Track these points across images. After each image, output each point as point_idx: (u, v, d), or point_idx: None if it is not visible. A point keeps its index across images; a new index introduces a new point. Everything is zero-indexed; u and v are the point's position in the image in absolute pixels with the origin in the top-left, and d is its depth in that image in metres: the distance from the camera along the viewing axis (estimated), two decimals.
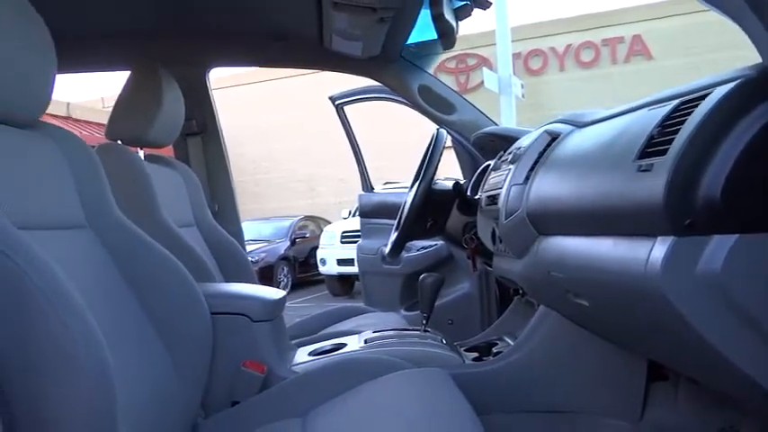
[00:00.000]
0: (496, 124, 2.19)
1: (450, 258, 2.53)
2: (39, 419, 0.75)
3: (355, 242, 9.76)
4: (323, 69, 2.18)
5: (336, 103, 3.07)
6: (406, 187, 4.54)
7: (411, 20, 1.81)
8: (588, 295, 1.07)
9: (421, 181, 1.71)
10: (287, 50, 2.10)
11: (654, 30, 12.93)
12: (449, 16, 1.40)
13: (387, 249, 1.95)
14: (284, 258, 9.84)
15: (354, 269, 9.16)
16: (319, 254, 9.10)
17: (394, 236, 1.96)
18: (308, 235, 10.86)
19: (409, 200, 1.86)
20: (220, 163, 2.28)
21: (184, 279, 1.27)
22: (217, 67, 2.22)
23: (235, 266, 1.99)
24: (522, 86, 7.62)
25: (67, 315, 0.79)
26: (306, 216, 11.62)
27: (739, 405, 1.26)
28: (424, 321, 1.60)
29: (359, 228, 9.90)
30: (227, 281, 1.91)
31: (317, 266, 9.28)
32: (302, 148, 14.60)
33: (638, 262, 0.82)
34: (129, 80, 1.78)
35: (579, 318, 1.26)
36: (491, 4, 1.58)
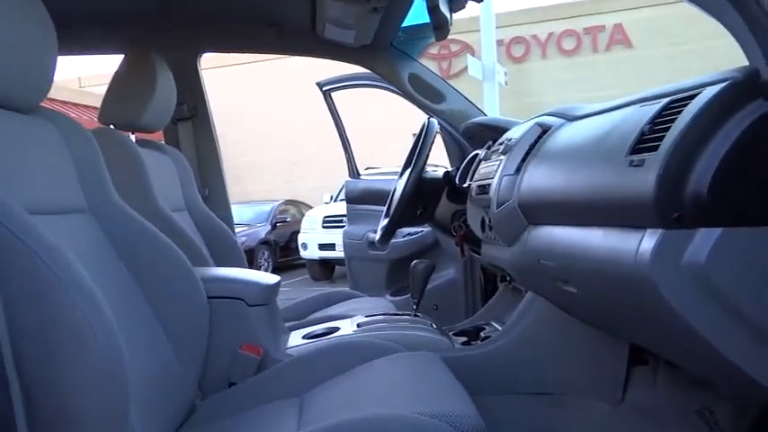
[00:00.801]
0: (485, 114, 2.23)
1: (436, 245, 2.58)
2: (55, 405, 0.78)
3: (337, 227, 9.77)
4: (314, 56, 2.19)
5: (324, 89, 3.08)
6: (387, 173, 4.58)
7: (404, 9, 1.83)
8: (576, 282, 1.12)
9: (412, 169, 1.75)
10: (279, 37, 2.11)
11: (634, 19, 13.03)
12: (444, 8, 1.43)
13: (377, 236, 1.99)
14: (265, 242, 9.84)
15: (336, 254, 9.20)
16: (301, 238, 9.12)
17: (384, 222, 2.00)
18: (288, 219, 10.85)
19: (399, 188, 1.90)
20: (211, 148, 2.29)
21: (182, 264, 1.30)
22: (208, 52, 2.22)
23: (225, 251, 2.01)
24: (506, 74, 7.67)
25: (83, 302, 0.82)
26: (287, 200, 11.60)
27: (714, 388, 1.32)
28: (415, 306, 1.65)
29: (341, 212, 9.94)
30: (218, 265, 1.93)
31: (297, 251, 9.31)
32: (284, 131, 14.54)
33: (628, 252, 0.86)
34: (122, 65, 1.78)
35: (566, 304, 1.31)
36: None
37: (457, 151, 2.35)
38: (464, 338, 1.57)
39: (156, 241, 1.27)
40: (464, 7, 1.51)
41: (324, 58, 2.19)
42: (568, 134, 1.23)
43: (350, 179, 3.20)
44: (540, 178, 1.24)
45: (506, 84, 7.55)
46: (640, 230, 0.85)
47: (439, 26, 1.48)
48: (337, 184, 10.39)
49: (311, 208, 10.79)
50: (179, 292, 1.27)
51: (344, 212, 9.60)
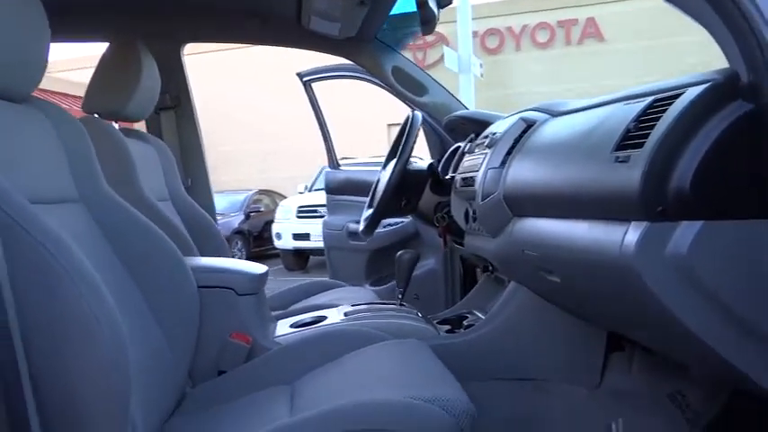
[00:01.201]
0: (466, 107, 2.27)
1: (416, 236, 2.62)
2: (62, 393, 0.79)
3: (312, 217, 9.72)
4: (299, 48, 2.20)
5: (304, 79, 3.08)
6: (363, 163, 4.55)
7: (389, 3, 1.85)
8: (560, 272, 1.16)
9: (397, 161, 1.78)
10: (264, 28, 2.11)
11: (607, 13, 13.20)
12: (432, 4, 1.46)
13: (360, 226, 2.01)
14: (238, 232, 9.78)
15: (310, 244, 9.17)
16: (275, 228, 9.10)
17: (367, 213, 2.03)
18: (262, 209, 10.80)
19: (384, 179, 1.92)
20: (193, 137, 2.29)
21: (173, 254, 1.31)
22: (192, 42, 2.22)
23: (208, 240, 2.02)
24: (482, 66, 7.73)
25: (89, 293, 0.83)
26: (260, 190, 11.53)
27: (686, 373, 1.39)
28: (400, 296, 1.68)
29: (315, 202, 9.88)
30: (201, 255, 1.94)
31: (271, 240, 9.28)
32: (257, 121, 14.44)
33: (614, 243, 0.91)
34: (107, 53, 1.77)
35: (548, 293, 1.36)
36: None
37: (438, 144, 2.38)
38: (448, 327, 1.61)
39: (148, 232, 1.28)
40: (451, 2, 1.54)
41: (308, 49, 2.20)
42: (553, 129, 1.27)
43: (330, 170, 3.22)
44: (525, 172, 1.28)
45: (482, 76, 7.62)
46: (625, 223, 0.90)
47: (426, 21, 1.51)
48: (311, 173, 10.37)
49: (285, 198, 10.75)
50: (170, 282, 1.29)
51: (319, 202, 9.60)
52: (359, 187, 3.04)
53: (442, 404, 0.98)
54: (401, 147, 1.79)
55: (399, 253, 1.71)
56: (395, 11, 1.92)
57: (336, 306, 1.70)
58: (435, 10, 1.49)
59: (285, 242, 8.90)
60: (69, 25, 1.98)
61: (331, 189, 3.14)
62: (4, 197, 0.81)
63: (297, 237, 8.76)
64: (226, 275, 1.44)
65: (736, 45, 0.81)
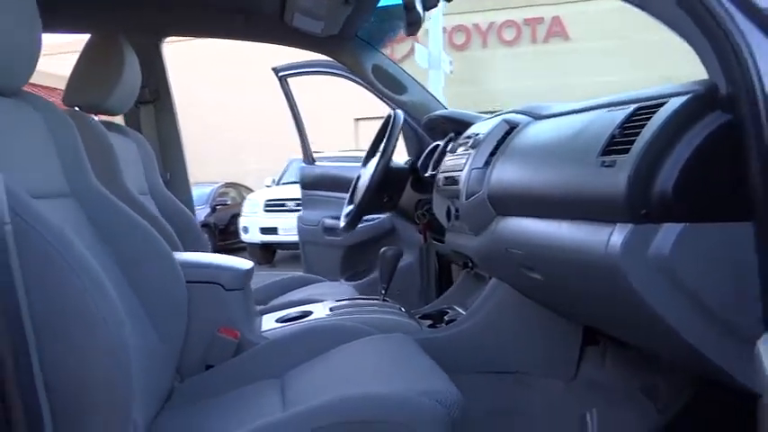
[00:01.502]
0: (445, 107, 2.31)
1: (393, 232, 2.65)
2: (68, 381, 0.81)
3: (279, 211, 9.66)
4: (280, 44, 2.21)
5: (280, 74, 3.08)
6: (330, 157, 4.57)
7: (373, 2, 1.88)
8: (543, 270, 1.21)
9: (380, 159, 1.81)
10: (246, 24, 2.11)
11: (572, 12, 13.43)
12: (419, 6, 1.49)
13: (342, 222, 2.04)
14: (204, 225, 9.68)
15: (278, 238, 9.12)
16: (242, 222, 9.04)
17: (348, 209, 2.05)
18: (228, 202, 10.71)
19: (365, 176, 1.95)
20: (173, 131, 2.28)
21: (163, 249, 1.32)
22: (174, 36, 2.21)
23: (188, 235, 2.02)
24: (451, 63, 7.80)
25: (93, 288, 0.85)
26: (227, 183, 11.43)
27: (657, 367, 1.46)
28: (383, 292, 1.72)
29: (283, 196, 9.80)
30: (182, 250, 1.94)
31: (237, 234, 9.22)
32: (222, 113, 14.27)
33: (599, 244, 0.96)
34: (88, 46, 1.76)
35: (529, 290, 1.41)
36: None
37: (415, 142, 2.42)
38: (429, 322, 1.66)
39: (137, 227, 1.29)
40: (436, 5, 1.58)
41: (290, 46, 2.21)
42: (536, 132, 1.32)
43: (305, 165, 3.23)
44: (509, 173, 1.33)
45: (451, 73, 7.69)
46: (610, 224, 0.95)
47: (412, 23, 1.54)
48: (278, 167, 10.32)
49: (252, 191, 10.68)
50: (160, 277, 1.30)
51: (287, 196, 9.54)
52: (334, 183, 3.06)
53: (433, 396, 1.02)
54: (384, 145, 1.83)
55: (383, 250, 1.75)
56: (380, 9, 1.95)
57: (320, 301, 1.73)
58: (421, 12, 1.52)
59: (252, 236, 8.86)
60: (50, 16, 1.95)
61: (306, 184, 3.15)
62: (9, 192, 0.82)
63: (264, 231, 8.72)
64: (214, 271, 1.45)
65: (716, 59, 0.86)
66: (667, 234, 0.87)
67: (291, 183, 9.32)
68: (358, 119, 14.22)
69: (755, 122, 0.81)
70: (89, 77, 1.73)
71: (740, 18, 0.82)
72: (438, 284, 2.40)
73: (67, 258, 0.83)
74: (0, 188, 0.75)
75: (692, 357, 0.91)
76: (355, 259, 2.83)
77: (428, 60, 6.98)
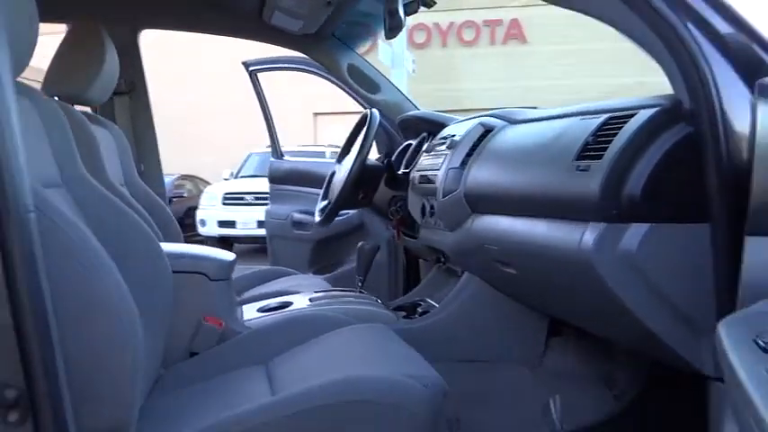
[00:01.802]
0: (417, 107, 2.39)
1: (361, 227, 2.72)
2: (84, 361, 0.85)
3: (238, 204, 9.54)
4: (256, 41, 2.25)
5: (250, 69, 3.10)
6: (290, 152, 4.60)
7: (352, 3, 1.94)
8: (518, 265, 1.30)
9: (357, 157, 1.88)
10: (223, 19, 2.14)
11: (530, 16, 13.71)
12: (401, 12, 1.56)
13: (317, 217, 2.10)
14: None
15: (236, 231, 9.04)
16: (199, 215, 8.93)
17: (323, 204, 2.11)
18: (185, 194, 10.55)
19: (341, 173, 2.02)
20: (147, 123, 2.29)
21: (150, 239, 1.35)
22: (151, 28, 2.22)
23: (164, 226, 2.05)
24: (414, 62, 7.88)
25: (103, 275, 0.89)
26: (183, 175, 11.25)
27: (614, 357, 1.57)
28: (360, 284, 1.79)
29: (242, 189, 9.68)
30: (162, 241, 1.96)
31: (194, 227, 9.09)
32: (179, 105, 14.03)
33: (573, 241, 1.05)
34: (68, 36, 1.76)
35: (501, 283, 1.51)
36: (435, 2, 1.76)
37: (386, 140, 2.49)
38: (404, 313, 1.73)
39: (125, 217, 1.32)
40: (416, 11, 1.65)
41: (266, 42, 2.25)
42: (513, 136, 1.41)
43: (274, 160, 3.26)
44: (486, 173, 1.41)
45: (414, 72, 7.77)
46: (583, 224, 1.04)
47: (393, 27, 1.61)
48: (234, 159, 10.24)
49: (209, 183, 10.55)
50: (148, 268, 1.33)
51: (246, 189, 9.45)
52: (303, 178, 3.11)
53: (419, 380, 1.10)
54: (361, 143, 1.89)
55: (361, 244, 1.82)
56: (356, 10, 2.01)
57: (297, 293, 1.79)
58: (403, 18, 1.59)
59: (210, 229, 8.77)
60: None
61: (275, 179, 3.19)
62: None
63: (222, 224, 8.65)
64: (199, 261, 1.49)
65: (681, 78, 0.96)
66: (635, 233, 0.97)
67: (250, 176, 9.28)
68: (317, 113, 14.20)
69: (714, 135, 0.91)
70: (69, 67, 1.74)
71: (704, 43, 0.93)
72: (405, 278, 2.48)
73: (78, 245, 0.88)
74: (24, 175, 0.79)
75: (653, 345, 1.01)
76: (324, 253, 2.89)
77: (391, 59, 7.03)
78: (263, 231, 9.18)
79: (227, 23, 2.17)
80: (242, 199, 8.59)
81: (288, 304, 1.66)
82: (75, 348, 0.84)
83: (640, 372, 1.55)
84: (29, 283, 0.75)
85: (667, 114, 0.98)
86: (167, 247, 1.52)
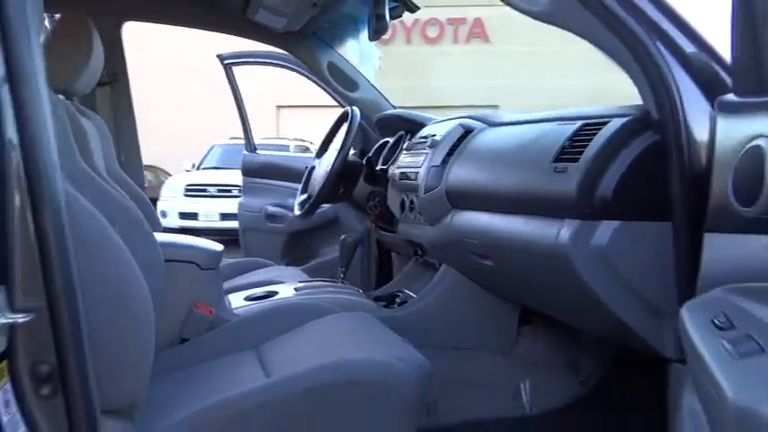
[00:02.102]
0: (393, 106, 2.47)
1: (335, 221, 2.79)
2: (104, 351, 0.91)
3: (200, 196, 9.43)
4: (239, 36, 2.29)
5: (225, 62, 3.14)
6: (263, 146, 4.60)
7: (337, 4, 2.01)
8: (496, 258, 1.41)
9: (339, 153, 1.95)
10: (207, 14, 2.18)
11: (493, 15, 13.91)
12: (387, 16, 1.64)
13: (296, 210, 2.16)
14: None
15: (198, 223, 8.96)
16: (160, 206, 8.81)
17: (302, 197, 2.18)
18: (145, 185, 10.38)
19: (322, 168, 2.09)
20: (128, 114, 2.31)
21: (145, 228, 1.41)
22: (135, 20, 2.24)
23: (146, 218, 2.08)
24: (380, 58, 7.98)
25: (120, 264, 0.96)
26: (144, 165, 11.07)
27: (580, 345, 1.69)
28: (342, 275, 1.87)
29: (204, 181, 9.58)
30: None
31: None
32: (141, 95, 13.78)
33: (549, 236, 1.16)
34: (56, 27, 1.78)
35: (478, 275, 1.61)
36: (419, 8, 1.85)
37: (361, 137, 2.57)
38: (383, 303, 1.82)
39: (119, 205, 1.37)
40: (401, 15, 1.73)
41: (249, 38, 2.30)
42: (492, 137, 1.51)
43: (247, 153, 3.30)
44: (466, 172, 1.51)
45: (380, 68, 7.87)
46: (560, 220, 1.15)
47: (378, 30, 1.69)
48: (197, 151, 10.14)
49: (170, 175, 10.43)
50: (143, 257, 1.38)
51: (209, 181, 9.35)
52: (277, 171, 3.17)
53: (408, 363, 1.19)
54: (343, 140, 1.97)
55: (343, 237, 1.90)
56: (340, 10, 2.08)
57: (280, 283, 1.85)
58: (388, 21, 1.67)
59: (171, 221, 8.66)
60: None
61: (248, 171, 3.23)
62: None
63: (184, 216, 8.57)
64: (190, 251, 1.55)
65: (650, 91, 1.07)
66: (606, 229, 1.08)
67: (213, 168, 9.23)
68: (280, 106, 14.15)
69: (678, 144, 1.02)
70: (57, 58, 1.76)
71: (671, 60, 1.04)
72: (378, 270, 2.56)
73: (102, 239, 0.94)
74: (56, 166, 0.84)
75: (622, 331, 1.12)
76: (297, 245, 2.95)
77: (359, 54, 7.11)
78: (225, 224, 9.12)
79: (212, 18, 2.21)
80: (204, 191, 8.53)
81: (274, 293, 1.72)
82: (97, 330, 0.90)
83: (605, 357, 1.67)
84: (62, 270, 0.81)
85: (637, 124, 1.09)
86: (160, 237, 1.57)
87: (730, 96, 0.94)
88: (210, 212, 8.35)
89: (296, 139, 9.73)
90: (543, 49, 12.52)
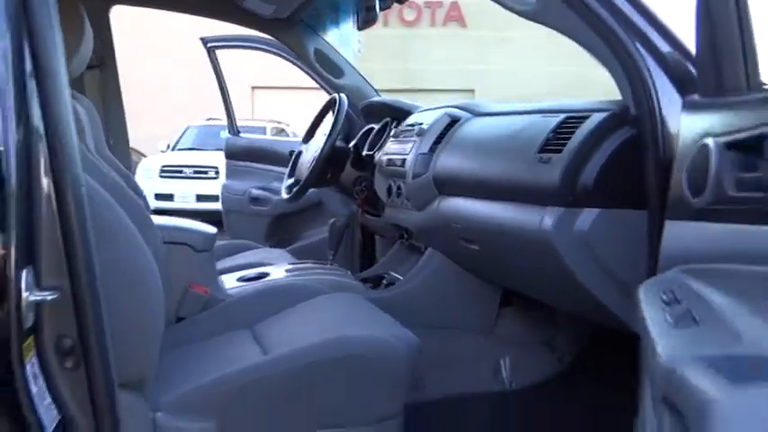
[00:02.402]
0: (378, 93, 2.53)
1: (318, 204, 2.85)
2: (120, 329, 0.97)
3: (175, 177, 9.37)
4: (225, 21, 2.32)
5: (209, 45, 3.15)
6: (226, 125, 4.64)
7: None
8: (481, 242, 1.48)
9: (328, 139, 2.00)
10: None
11: (471, 1, 13.94)
12: (377, 7, 1.68)
13: (284, 194, 2.21)
14: None
15: (173, 205, 8.91)
16: None
17: (289, 181, 2.23)
18: (132, 168, 10.26)
19: (309, 153, 2.14)
20: (116, 97, 2.33)
21: (142, 212, 1.45)
22: (122, 4, 2.25)
23: None
24: (360, 42, 7.98)
25: (133, 249, 1.01)
26: None
27: (556, 325, 1.79)
28: (331, 257, 1.93)
29: (180, 162, 9.50)
30: None
31: None
32: None
33: (533, 222, 1.23)
34: None
35: (463, 259, 1.68)
36: None
37: (345, 123, 2.62)
38: (370, 284, 1.89)
39: (116, 187, 1.41)
40: (390, 7, 1.78)
41: (236, 24, 2.33)
42: (479, 127, 1.59)
43: (230, 136, 3.33)
44: (453, 160, 1.58)
45: (360, 51, 7.87)
46: (543, 207, 1.23)
47: (367, 21, 1.74)
48: (171, 132, 10.04)
49: (144, 156, 10.33)
50: (145, 240, 1.43)
51: (184, 162, 9.29)
52: (260, 155, 3.21)
53: (402, 340, 1.26)
54: (332, 126, 2.02)
55: (332, 220, 1.96)
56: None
57: (269, 264, 1.91)
58: (378, 12, 1.72)
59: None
60: None
61: (231, 154, 3.27)
62: None
63: (159, 197, 8.49)
64: (186, 233, 1.60)
65: (629, 88, 1.15)
66: (587, 216, 1.16)
67: (188, 149, 9.17)
68: (255, 87, 14.04)
69: (653, 138, 1.10)
70: None
71: (649, 60, 1.12)
72: (361, 252, 2.63)
73: (118, 227, 0.99)
74: (76, 153, 0.89)
75: (597, 310, 1.21)
76: (281, 228, 3.01)
77: (339, 38, 7.11)
78: (202, 205, 9.07)
79: (199, 3, 2.23)
80: (180, 172, 8.48)
81: (265, 275, 1.78)
82: (114, 308, 0.95)
83: (580, 335, 1.77)
84: (83, 252, 0.87)
85: (616, 118, 1.17)
86: (157, 219, 1.62)
87: (695, 96, 1.02)
88: (186, 194, 8.31)
89: (272, 121, 9.70)
90: (518, 34, 12.60)
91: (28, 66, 0.84)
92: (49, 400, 0.85)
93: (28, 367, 0.82)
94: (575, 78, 9.81)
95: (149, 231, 1.45)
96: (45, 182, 0.85)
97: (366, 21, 1.74)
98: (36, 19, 0.84)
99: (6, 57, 0.82)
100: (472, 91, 13.34)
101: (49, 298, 0.83)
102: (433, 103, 2.24)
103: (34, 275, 0.83)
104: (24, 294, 0.80)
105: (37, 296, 0.82)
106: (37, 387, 0.84)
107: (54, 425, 0.84)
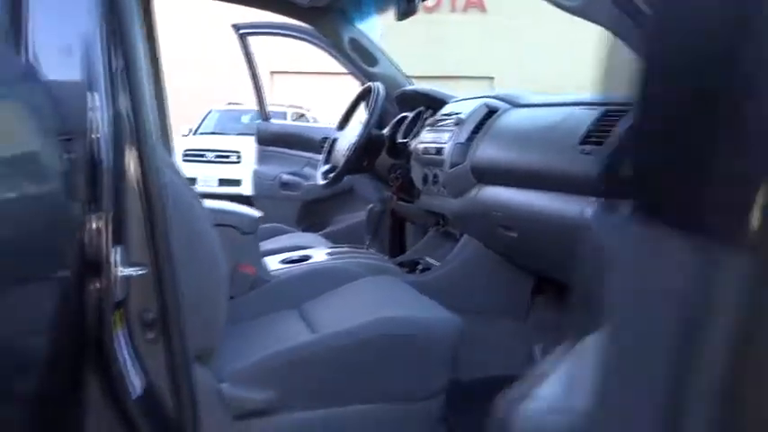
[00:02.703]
0: (412, 82, 2.58)
1: (350, 191, 2.91)
2: (193, 303, 1.04)
3: (198, 161, 9.47)
4: (264, 9, 2.37)
5: (240, 32, 3.20)
6: (249, 110, 4.64)
7: None
8: (519, 229, 1.54)
9: (365, 127, 2.06)
10: None
11: None
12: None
13: (319, 180, 2.27)
14: None
15: (195, 188, 9.07)
16: None
17: (325, 167, 2.29)
18: (174, 152, 10.37)
19: (345, 141, 2.20)
20: (158, 82, 2.39)
21: (194, 194, 1.53)
22: None
23: None
24: (381, 36, 7.99)
25: (203, 230, 1.08)
26: None
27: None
28: (368, 242, 2.00)
29: (202, 147, 9.59)
30: None
31: None
32: None
33: (575, 211, 1.29)
34: None
35: (499, 246, 1.74)
36: None
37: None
38: (406, 269, 1.96)
39: (181, 174, 1.48)
40: None
41: (273, 12, 2.38)
42: (517, 118, 1.64)
43: (261, 122, 3.40)
44: (492, 150, 1.63)
45: (382, 36, 7.87)
46: (584, 197, 1.28)
47: (407, 12, 1.78)
48: (192, 116, 10.13)
49: None
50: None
51: (207, 147, 9.39)
52: (291, 141, 3.27)
53: (445, 322, 1.33)
54: (369, 114, 2.07)
55: (370, 206, 2.02)
56: None
57: (310, 248, 1.98)
58: (418, 4, 1.77)
59: None
60: None
61: (263, 140, 3.33)
62: None
63: None
64: (233, 216, 1.67)
65: None
66: (626, 207, 1.21)
67: (210, 133, 9.26)
68: (274, 72, 14.10)
69: None
70: None
71: None
72: (391, 240, 2.69)
73: (192, 208, 1.06)
74: (156, 146, 0.96)
75: None
76: (311, 213, 3.08)
77: (362, 25, 7.14)
78: (223, 189, 9.16)
79: None
80: (203, 156, 8.57)
81: (308, 257, 1.85)
82: (187, 286, 1.03)
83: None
84: (164, 232, 0.94)
85: None
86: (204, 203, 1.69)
87: None
88: (209, 178, 8.40)
89: (292, 106, 9.75)
90: (540, 21, 12.52)
91: (116, 63, 0.91)
92: (138, 366, 0.93)
93: (120, 336, 0.90)
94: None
95: (202, 214, 1.52)
96: (132, 167, 0.92)
97: (406, 12, 1.78)
98: (125, 21, 0.90)
99: (98, 56, 0.89)
100: (492, 78, 13.30)
101: (137, 273, 0.91)
102: (454, 89, 2.28)
103: (124, 252, 0.90)
104: (116, 270, 0.88)
105: (127, 272, 0.90)
106: (126, 356, 0.91)
107: (141, 391, 0.92)
